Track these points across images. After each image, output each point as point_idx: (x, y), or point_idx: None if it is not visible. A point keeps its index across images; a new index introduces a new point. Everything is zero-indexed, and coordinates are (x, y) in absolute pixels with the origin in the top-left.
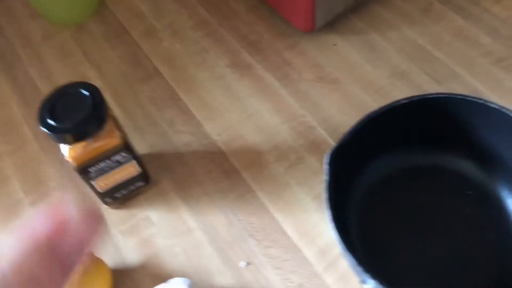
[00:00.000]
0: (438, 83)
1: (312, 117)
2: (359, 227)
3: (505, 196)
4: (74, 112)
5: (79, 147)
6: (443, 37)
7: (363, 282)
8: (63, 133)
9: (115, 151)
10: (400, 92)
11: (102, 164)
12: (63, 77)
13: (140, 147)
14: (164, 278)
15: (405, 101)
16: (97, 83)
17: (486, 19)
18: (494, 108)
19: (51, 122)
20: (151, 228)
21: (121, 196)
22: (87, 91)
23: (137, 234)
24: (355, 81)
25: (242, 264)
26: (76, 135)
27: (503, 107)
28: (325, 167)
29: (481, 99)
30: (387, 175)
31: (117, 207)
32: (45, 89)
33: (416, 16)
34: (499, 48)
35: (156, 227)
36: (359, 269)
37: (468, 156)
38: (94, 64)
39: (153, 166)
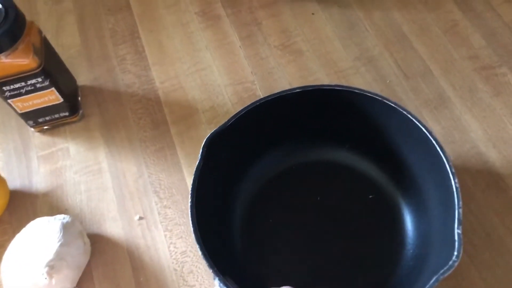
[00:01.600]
0: (405, 78)
1: (260, 85)
2: (245, 220)
3: (403, 208)
4: None
5: None
6: (432, 28)
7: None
8: None
9: (31, 74)
10: (361, 79)
11: (17, 85)
12: None
13: (84, 78)
14: (60, 211)
15: (299, 90)
16: (68, 5)
17: (488, 18)
18: (392, 106)
19: None
20: (66, 160)
21: (44, 121)
22: (1, 5)
23: (51, 162)
24: (319, 57)
25: (136, 217)
26: None
27: (400, 106)
28: (201, 150)
29: (379, 95)
30: (285, 169)
31: (42, 131)
32: None
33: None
34: (488, 54)
35: (71, 160)
36: (207, 263)
37: (375, 157)
38: None
39: (89, 99)
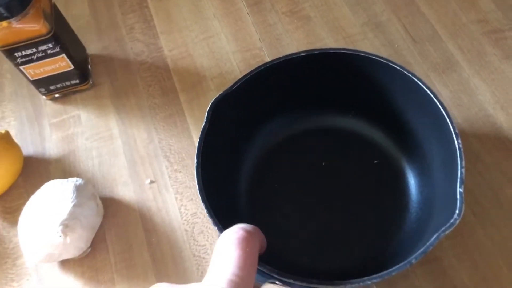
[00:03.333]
0: (414, 42)
1: (268, 52)
2: (251, 184)
3: (407, 172)
4: None
5: (1, 27)
6: None
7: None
8: None
9: (41, 40)
10: (369, 44)
11: (28, 51)
12: None
13: (94, 47)
14: (73, 176)
15: (304, 53)
16: None
17: None
18: (396, 68)
19: None
20: (78, 127)
21: (55, 89)
22: None
23: (63, 129)
24: (327, 22)
25: (147, 181)
26: None
27: (403, 68)
28: (206, 113)
29: (383, 58)
30: (291, 135)
31: (53, 99)
32: None
33: None
34: (497, 18)
35: (82, 127)
36: (211, 220)
37: (380, 123)
38: None
39: (99, 68)
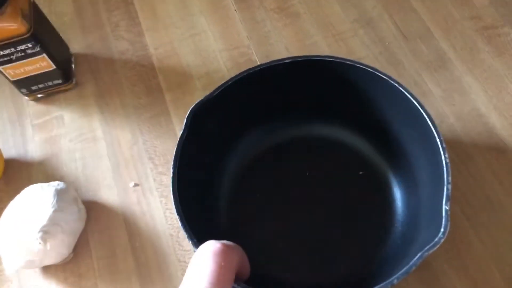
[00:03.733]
0: (405, 40)
1: (256, 50)
2: (232, 194)
3: (393, 184)
4: None
5: None
6: None
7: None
8: None
9: (20, 40)
10: (359, 42)
11: (6, 51)
12: None
13: (78, 46)
14: (56, 179)
15: (288, 60)
16: None
17: None
18: (384, 78)
19: None
20: (61, 128)
21: (38, 89)
22: None
23: (46, 131)
24: (316, 19)
25: (131, 184)
26: None
27: (391, 78)
28: (184, 120)
29: (370, 67)
30: (275, 143)
31: (36, 100)
32: None
33: None
34: (491, 14)
35: (66, 128)
36: (186, 234)
37: (366, 133)
38: None
39: (83, 67)
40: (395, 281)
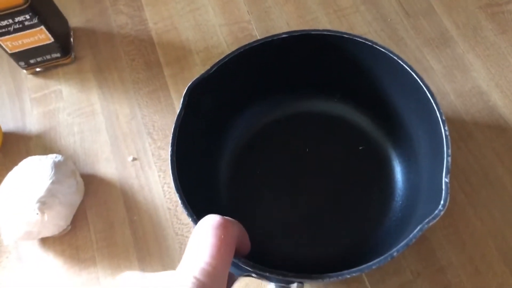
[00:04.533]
0: (407, 16)
1: (256, 25)
2: (232, 171)
3: (393, 158)
4: None
5: None
6: None
7: None
8: None
9: (17, 11)
10: (360, 18)
11: (4, 22)
12: None
13: (76, 20)
14: (54, 152)
15: (285, 35)
16: None
17: None
18: (382, 51)
19: None
20: (59, 102)
21: (36, 63)
22: None
23: (44, 104)
24: None
25: (130, 158)
26: None
27: (390, 51)
28: (181, 98)
29: (369, 40)
30: (274, 120)
31: (34, 74)
32: None
33: None
34: None
35: (64, 102)
36: (186, 211)
37: (366, 107)
38: None
39: (82, 41)
40: (395, 253)
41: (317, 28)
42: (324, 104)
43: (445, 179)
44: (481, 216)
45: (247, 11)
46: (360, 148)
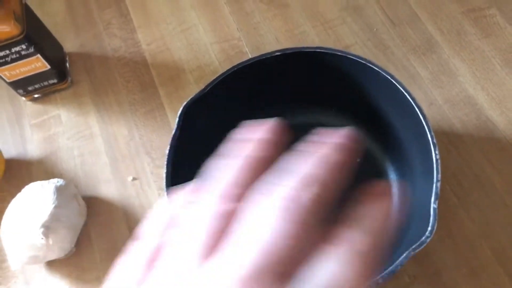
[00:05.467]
0: (392, 25)
1: (246, 42)
2: None
3: (390, 173)
4: None
5: None
6: None
7: None
8: None
9: (14, 42)
10: (347, 29)
11: (1, 53)
12: None
13: (71, 45)
14: (56, 176)
15: (278, 53)
16: None
17: None
18: (376, 70)
19: None
20: (59, 127)
21: (34, 89)
22: None
23: (44, 130)
24: (305, 9)
25: (130, 178)
26: None
27: (383, 70)
28: (177, 118)
29: (361, 58)
30: None
31: (33, 100)
32: None
33: None
34: None
35: (63, 126)
36: None
37: (363, 121)
38: None
39: (78, 66)
40: (380, 280)
41: (305, 41)
42: (321, 117)
43: (433, 205)
44: (474, 217)
45: (237, 28)
46: (357, 160)
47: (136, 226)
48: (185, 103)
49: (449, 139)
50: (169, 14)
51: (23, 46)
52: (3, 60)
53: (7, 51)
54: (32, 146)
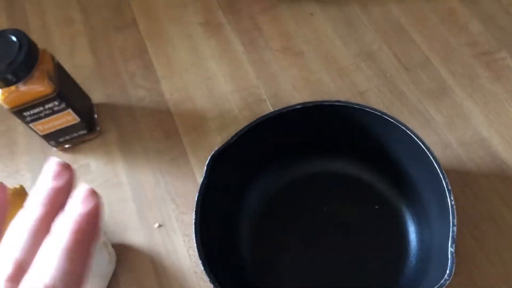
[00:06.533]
0: (405, 70)
1: (265, 90)
2: (253, 232)
3: (407, 219)
4: (1, 58)
5: (10, 91)
6: (429, 18)
7: None
8: None
9: (47, 99)
10: (361, 75)
11: (35, 110)
12: (52, 18)
13: (98, 96)
14: None
15: (299, 106)
16: (79, 27)
17: (485, 2)
18: (391, 121)
19: None
20: (88, 175)
21: (65, 141)
22: (15, 37)
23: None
24: (320, 56)
25: (156, 225)
26: (3, 80)
27: (398, 121)
28: (205, 168)
29: (377, 110)
30: (292, 180)
31: (64, 150)
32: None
33: None
34: (487, 40)
35: (92, 175)
36: (209, 279)
37: (381, 169)
38: (83, 6)
39: (105, 116)
40: None
41: (321, 88)
42: (341, 165)
43: (450, 249)
44: (492, 260)
45: (255, 77)
46: (376, 207)
47: (163, 273)
48: (212, 152)
49: (465, 181)
50: (191, 64)
51: (56, 103)
52: (37, 116)
53: (41, 108)
54: None
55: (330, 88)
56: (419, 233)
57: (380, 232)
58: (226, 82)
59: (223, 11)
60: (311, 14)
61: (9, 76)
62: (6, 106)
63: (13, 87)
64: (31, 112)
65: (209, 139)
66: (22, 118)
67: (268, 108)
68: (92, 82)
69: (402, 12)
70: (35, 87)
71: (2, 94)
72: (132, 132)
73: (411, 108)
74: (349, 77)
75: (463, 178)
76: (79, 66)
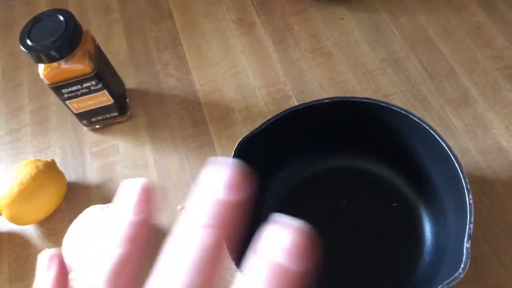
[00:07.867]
0: (430, 78)
1: (291, 87)
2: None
3: (424, 217)
4: (48, 35)
5: (52, 67)
6: (456, 30)
7: None
8: (37, 53)
9: (86, 78)
10: (387, 80)
11: (73, 88)
12: (90, 5)
13: (131, 82)
14: (111, 201)
15: (327, 100)
16: (116, 15)
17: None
18: (416, 121)
19: (29, 42)
20: (116, 155)
21: (96, 121)
22: (63, 17)
23: (103, 158)
24: (347, 59)
25: (179, 207)
26: (47, 56)
27: (423, 121)
28: (232, 153)
29: (403, 109)
30: (313, 173)
31: (94, 130)
32: None
33: (437, 2)
34: (511, 54)
35: (120, 156)
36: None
37: (400, 167)
38: None
39: (136, 101)
40: None
41: (347, 89)
42: (361, 161)
43: (466, 245)
44: (506, 264)
45: (283, 74)
46: (394, 204)
47: None
48: (241, 138)
49: (481, 187)
50: (222, 58)
51: (93, 82)
52: (74, 93)
53: (79, 86)
54: (91, 172)
55: (356, 89)
56: (435, 231)
57: (396, 228)
58: (254, 77)
59: (257, 11)
60: (342, 19)
61: (53, 53)
62: (46, 82)
63: (55, 64)
64: (69, 89)
65: (235, 130)
66: (60, 95)
67: (294, 104)
68: (126, 68)
69: (430, 23)
70: (76, 66)
71: (44, 69)
72: (161, 118)
73: (433, 114)
74: (375, 80)
75: (480, 184)
76: (114, 52)
